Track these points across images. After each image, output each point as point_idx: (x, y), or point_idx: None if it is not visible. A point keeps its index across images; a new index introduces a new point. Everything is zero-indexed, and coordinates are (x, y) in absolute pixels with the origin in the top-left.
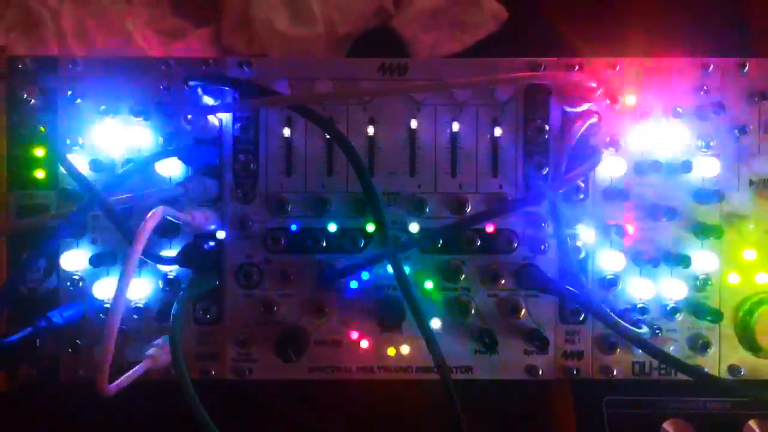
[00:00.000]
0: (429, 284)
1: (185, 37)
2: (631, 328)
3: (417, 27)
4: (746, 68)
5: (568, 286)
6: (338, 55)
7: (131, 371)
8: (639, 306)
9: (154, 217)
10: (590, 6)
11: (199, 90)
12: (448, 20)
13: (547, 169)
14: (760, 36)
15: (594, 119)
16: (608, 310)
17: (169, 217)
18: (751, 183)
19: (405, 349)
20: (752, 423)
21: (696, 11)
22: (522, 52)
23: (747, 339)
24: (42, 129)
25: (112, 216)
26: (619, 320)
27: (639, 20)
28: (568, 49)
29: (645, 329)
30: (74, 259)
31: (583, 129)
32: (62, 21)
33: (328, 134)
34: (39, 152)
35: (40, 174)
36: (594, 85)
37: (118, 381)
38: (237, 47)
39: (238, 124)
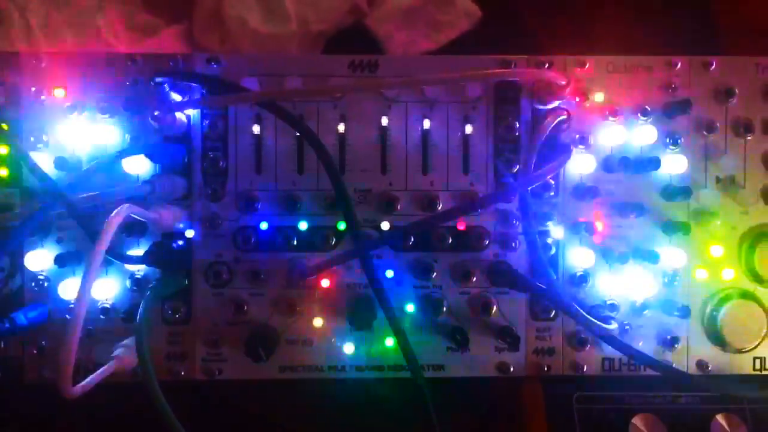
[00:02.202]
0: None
1: (156, 34)
2: (600, 324)
3: (391, 25)
4: (713, 66)
5: (538, 283)
6: (312, 53)
7: (97, 372)
8: (609, 302)
9: (118, 215)
10: (563, 5)
11: (166, 87)
12: (422, 19)
13: (518, 166)
14: (727, 34)
15: (563, 116)
16: (577, 307)
17: (135, 216)
18: (718, 180)
19: (377, 348)
20: (720, 417)
21: (665, 10)
22: (496, 51)
23: (714, 334)
24: (5, 126)
25: (76, 215)
26: (588, 317)
27: (610, 18)
28: (541, 47)
29: (614, 325)
30: (39, 259)
31: (551, 126)
32: (30, 16)
33: (298, 132)
34: (2, 150)
35: (2, 172)
36: (563, 82)
37: (83, 383)
38: (209, 45)
39: (207, 122)
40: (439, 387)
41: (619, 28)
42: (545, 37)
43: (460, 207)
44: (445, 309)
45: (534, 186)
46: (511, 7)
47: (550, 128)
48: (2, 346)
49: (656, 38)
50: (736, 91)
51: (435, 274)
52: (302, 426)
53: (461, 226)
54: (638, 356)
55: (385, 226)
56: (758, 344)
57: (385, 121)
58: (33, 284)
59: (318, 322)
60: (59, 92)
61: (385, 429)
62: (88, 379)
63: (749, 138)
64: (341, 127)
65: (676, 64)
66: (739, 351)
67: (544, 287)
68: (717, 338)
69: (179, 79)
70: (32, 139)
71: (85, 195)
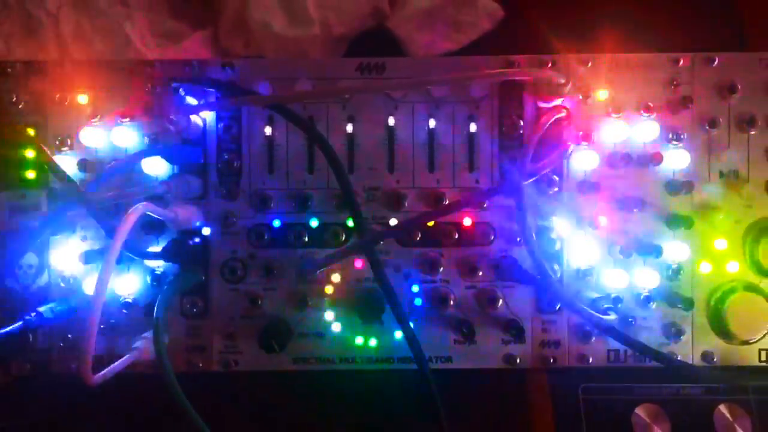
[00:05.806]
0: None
1: (183, 40)
2: (600, 316)
3: (412, 27)
4: (715, 62)
5: (539, 277)
6: (334, 56)
7: (117, 362)
8: (613, 296)
9: (134, 213)
10: (584, 4)
11: (182, 91)
12: (444, 20)
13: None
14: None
15: (562, 114)
16: (577, 301)
17: (152, 214)
18: (721, 175)
19: (386, 340)
20: (722, 407)
21: (689, 7)
22: (517, 51)
23: (719, 326)
24: (31, 131)
25: (95, 213)
26: (587, 308)
27: (627, 16)
28: (563, 46)
29: (613, 316)
30: (65, 257)
31: (548, 123)
32: (61, 26)
33: (305, 132)
34: (29, 154)
35: (30, 174)
36: (563, 81)
37: (103, 372)
38: (234, 49)
39: (221, 124)
40: (447, 378)
41: (636, 26)
42: (559, 37)
43: (460, 201)
44: (451, 302)
45: (531, 180)
46: (528, 6)
47: (546, 125)
48: (31, 339)
49: (678, 35)
50: (739, 86)
51: (442, 268)
52: (314, 415)
53: (467, 222)
54: (639, 347)
55: (393, 222)
56: (764, 336)
57: (392, 121)
58: (59, 281)
59: (329, 315)
60: (82, 98)
61: (394, 419)
62: (107, 369)
63: (752, 132)
64: (349, 128)
65: (679, 61)
66: (745, 342)
67: (545, 281)
68: (722, 330)
69: (195, 84)
70: (57, 142)
71: (104, 195)
